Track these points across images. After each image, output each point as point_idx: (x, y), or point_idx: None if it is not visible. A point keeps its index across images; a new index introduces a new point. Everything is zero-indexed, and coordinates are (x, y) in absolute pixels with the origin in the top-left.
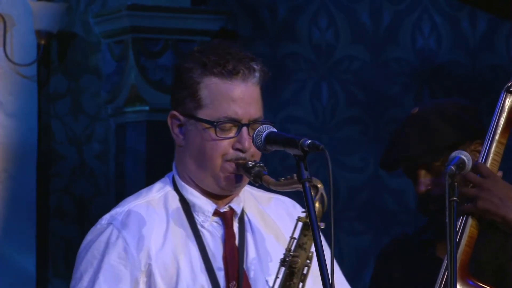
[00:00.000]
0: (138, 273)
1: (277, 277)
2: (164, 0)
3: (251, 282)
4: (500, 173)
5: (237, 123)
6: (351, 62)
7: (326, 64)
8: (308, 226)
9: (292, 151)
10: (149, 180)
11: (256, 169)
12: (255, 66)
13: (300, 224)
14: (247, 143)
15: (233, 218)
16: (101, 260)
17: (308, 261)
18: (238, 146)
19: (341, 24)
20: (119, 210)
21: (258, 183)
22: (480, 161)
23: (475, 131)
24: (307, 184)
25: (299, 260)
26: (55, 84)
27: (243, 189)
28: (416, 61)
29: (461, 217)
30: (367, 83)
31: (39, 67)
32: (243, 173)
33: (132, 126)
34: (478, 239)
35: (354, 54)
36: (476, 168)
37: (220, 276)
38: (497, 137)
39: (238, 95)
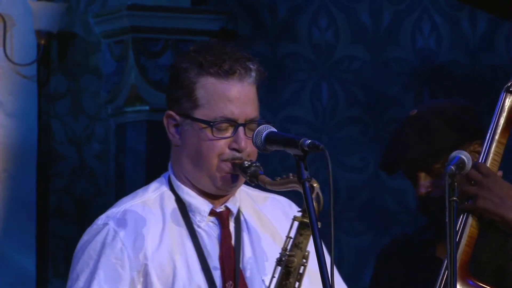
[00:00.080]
0: (135, 273)
1: (273, 277)
2: (164, 0)
3: (247, 281)
4: (500, 173)
5: (234, 123)
6: (351, 62)
7: (326, 64)
8: (304, 226)
9: (292, 151)
10: (149, 180)
11: (252, 168)
12: (251, 66)
13: (296, 223)
14: (244, 143)
15: (229, 218)
16: (98, 261)
17: (304, 261)
18: (235, 146)
19: (341, 24)
20: (115, 211)
21: (254, 182)
22: (480, 161)
23: (474, 132)
24: (307, 184)
25: (295, 260)
26: (55, 84)
27: (239, 189)
28: (416, 61)
29: (461, 217)
30: (367, 83)
31: (39, 67)
32: (239, 173)
33: (132, 126)
34: (478, 239)
35: (354, 54)
36: (476, 167)
37: (217, 275)
38: (497, 137)
39: (235, 95)
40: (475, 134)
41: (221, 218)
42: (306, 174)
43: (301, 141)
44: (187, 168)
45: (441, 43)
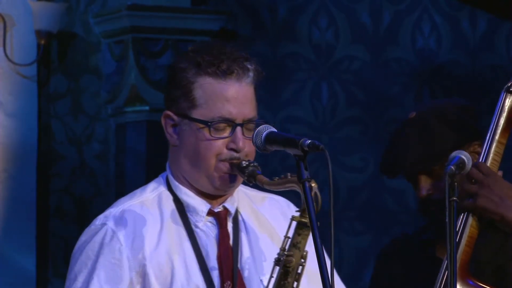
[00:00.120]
0: (133, 273)
1: (271, 277)
2: (164, 0)
3: (246, 281)
4: (500, 173)
5: (231, 123)
6: (351, 62)
7: (326, 64)
8: (302, 225)
9: (292, 151)
10: (149, 180)
11: (250, 168)
12: (249, 66)
13: (294, 223)
14: (241, 143)
15: (227, 218)
16: (96, 261)
17: (302, 260)
18: (232, 146)
19: (341, 24)
20: (113, 211)
21: (252, 182)
22: (480, 161)
23: (474, 132)
24: (307, 184)
25: (294, 260)
26: (55, 84)
27: (237, 189)
28: (416, 61)
29: (461, 217)
30: (367, 83)
31: (39, 67)
32: (237, 173)
33: (132, 126)
34: (478, 239)
35: (354, 54)
36: (477, 167)
37: (215, 276)
38: (497, 137)
39: (232, 95)
40: (474, 135)
41: (219, 218)
42: (306, 174)
43: (301, 141)
44: (185, 168)
45: (441, 43)
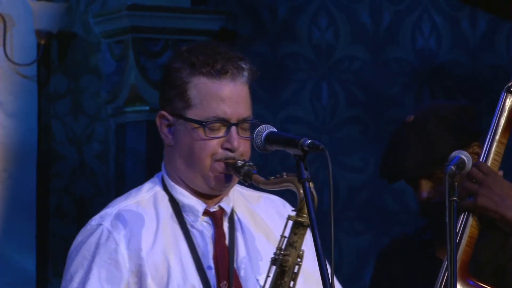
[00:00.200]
0: (129, 273)
1: (268, 276)
2: (164, 0)
3: (242, 281)
4: (500, 173)
5: (226, 123)
6: (351, 62)
7: (326, 64)
8: (299, 225)
9: (292, 151)
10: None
11: (246, 168)
12: (243, 66)
13: (290, 222)
14: (236, 142)
15: (223, 217)
16: (92, 261)
17: (299, 260)
18: (227, 145)
19: (341, 24)
20: (109, 211)
21: (248, 182)
22: (480, 161)
23: (473, 134)
24: (307, 184)
25: (290, 259)
26: (55, 84)
27: (232, 189)
28: (416, 61)
29: (461, 217)
30: (367, 83)
31: (39, 67)
32: (232, 173)
33: (132, 126)
34: (478, 239)
35: (354, 54)
36: (477, 166)
37: (211, 275)
38: (497, 137)
39: (227, 95)
40: (474, 136)
41: (215, 218)
42: (306, 174)
43: (301, 141)
44: (180, 168)
45: (441, 43)
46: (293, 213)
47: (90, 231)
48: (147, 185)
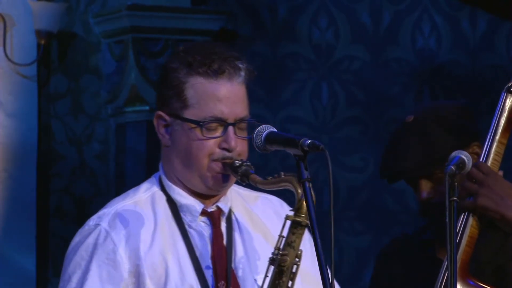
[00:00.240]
0: (127, 274)
1: (266, 276)
2: (164, 0)
3: (240, 281)
4: (501, 173)
5: (223, 123)
6: (351, 62)
7: (326, 64)
8: (297, 224)
9: (292, 151)
10: None
11: (243, 168)
12: (240, 65)
13: (288, 222)
14: (234, 142)
15: (221, 217)
16: (90, 261)
17: (297, 259)
18: (225, 145)
19: (341, 24)
20: (106, 211)
21: (245, 182)
22: (480, 161)
23: (472, 134)
24: (307, 184)
25: (288, 259)
26: (55, 84)
27: (230, 189)
28: (416, 61)
29: (462, 217)
30: (367, 83)
31: (39, 67)
32: (230, 173)
33: (132, 126)
34: (478, 239)
35: (354, 54)
36: (477, 166)
37: (209, 275)
38: (497, 137)
39: (224, 95)
40: (473, 136)
41: (213, 218)
42: (306, 174)
43: (301, 141)
44: (178, 168)
45: (441, 43)
46: (291, 213)
47: (88, 232)
48: (144, 185)
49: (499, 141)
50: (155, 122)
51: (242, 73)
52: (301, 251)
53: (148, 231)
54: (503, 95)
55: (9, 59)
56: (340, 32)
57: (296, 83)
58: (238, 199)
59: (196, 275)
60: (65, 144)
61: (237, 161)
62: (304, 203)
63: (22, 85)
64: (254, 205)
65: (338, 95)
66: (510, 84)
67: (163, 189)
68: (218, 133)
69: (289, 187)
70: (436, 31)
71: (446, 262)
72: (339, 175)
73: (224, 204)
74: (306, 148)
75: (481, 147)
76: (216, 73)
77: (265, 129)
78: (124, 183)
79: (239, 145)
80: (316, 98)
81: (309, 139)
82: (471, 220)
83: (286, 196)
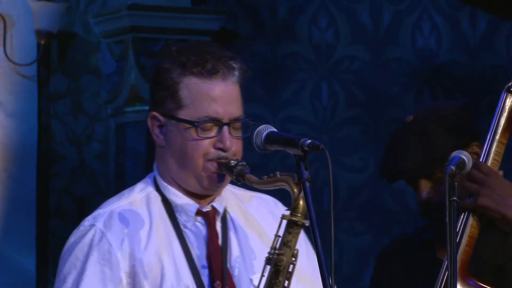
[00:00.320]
0: (122, 274)
1: (262, 275)
2: (164, 0)
3: (235, 281)
4: (501, 173)
5: (218, 123)
6: (351, 62)
7: (326, 64)
8: (293, 224)
9: (292, 151)
10: None
11: (239, 167)
12: (234, 65)
13: (284, 222)
14: (229, 142)
15: (216, 217)
16: (85, 262)
17: (293, 259)
18: (220, 145)
19: (341, 24)
20: (101, 212)
21: (241, 181)
22: (480, 161)
23: (472, 134)
24: (307, 184)
25: (285, 258)
26: (55, 84)
27: (224, 188)
28: (416, 61)
29: (462, 217)
30: (367, 83)
31: (39, 67)
32: (225, 172)
33: (132, 126)
34: (478, 239)
35: (354, 54)
36: (477, 167)
37: (205, 275)
38: (497, 137)
39: (218, 94)
40: (473, 136)
41: (208, 217)
42: (306, 174)
43: (301, 141)
44: (173, 169)
45: (441, 43)
46: (287, 213)
47: (83, 232)
48: (139, 186)
49: (499, 141)
50: (149, 122)
51: (236, 73)
52: (297, 250)
53: (144, 231)
54: (503, 95)
55: (9, 59)
56: (340, 32)
57: (296, 83)
58: (233, 199)
59: (191, 275)
60: (65, 144)
61: (232, 161)
62: (301, 202)
63: (22, 85)
64: (249, 204)
65: (338, 95)
66: (510, 84)
67: (158, 189)
68: (213, 133)
69: (285, 186)
70: (436, 31)
71: (446, 262)
72: (339, 175)
73: (219, 204)
74: (306, 148)
75: (481, 147)
76: (210, 73)
77: (265, 129)
78: (124, 183)
79: (234, 145)
80: (316, 98)
81: (309, 139)
82: (471, 220)
83: (281, 195)
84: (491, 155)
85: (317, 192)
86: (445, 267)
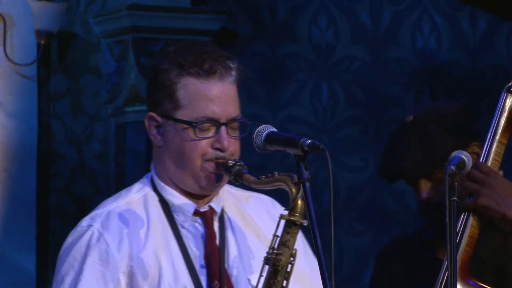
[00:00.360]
0: (120, 274)
1: (261, 275)
2: (164, 0)
3: (233, 280)
4: (501, 173)
5: (216, 123)
6: (351, 62)
7: (326, 64)
8: (291, 224)
9: (292, 151)
10: None
11: (237, 167)
12: (231, 65)
13: (282, 221)
14: (226, 142)
15: (213, 217)
16: (83, 262)
17: (291, 259)
18: (217, 145)
19: (341, 24)
20: (99, 212)
21: (239, 182)
22: (481, 161)
23: (472, 134)
24: (307, 184)
25: (283, 258)
26: (55, 84)
27: (222, 188)
28: (416, 61)
29: (462, 217)
30: (367, 83)
31: (39, 67)
32: (223, 172)
33: (132, 126)
34: (478, 239)
35: (354, 54)
36: (477, 167)
37: (202, 275)
38: (497, 137)
39: (216, 94)
40: (473, 136)
41: (205, 217)
42: (306, 174)
43: (301, 141)
44: (170, 169)
45: (441, 43)
46: (285, 212)
47: (81, 232)
48: (136, 186)
49: (499, 141)
50: (146, 123)
51: (233, 73)
52: (296, 250)
53: (141, 232)
54: (503, 95)
55: (9, 59)
56: (340, 32)
57: (296, 83)
58: (230, 199)
59: (189, 275)
60: (65, 144)
61: (230, 161)
62: (299, 202)
63: (22, 85)
64: (246, 204)
65: (338, 95)
66: (510, 84)
67: (155, 189)
68: (211, 133)
69: (283, 186)
70: (436, 31)
71: (446, 262)
72: (339, 175)
73: (216, 204)
74: (306, 148)
75: (481, 147)
76: (208, 73)
77: (265, 129)
78: (124, 183)
79: (231, 145)
80: (316, 98)
81: (309, 139)
82: (471, 220)
83: (279, 195)
84: (491, 155)
85: (317, 192)
86: (445, 267)
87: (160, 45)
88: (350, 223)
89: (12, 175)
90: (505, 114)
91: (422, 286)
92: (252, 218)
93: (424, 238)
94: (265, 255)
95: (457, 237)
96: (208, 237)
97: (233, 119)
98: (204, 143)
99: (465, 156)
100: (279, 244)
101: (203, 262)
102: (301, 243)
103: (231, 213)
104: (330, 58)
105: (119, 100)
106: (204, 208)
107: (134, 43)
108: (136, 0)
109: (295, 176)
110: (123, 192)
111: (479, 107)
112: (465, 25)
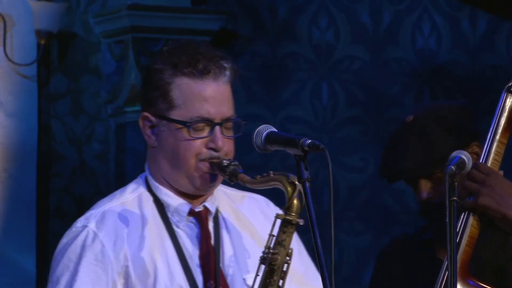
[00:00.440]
0: (116, 275)
1: (257, 275)
2: (164, 0)
3: (229, 280)
4: (501, 173)
5: (210, 123)
6: (351, 62)
7: (326, 64)
8: (287, 223)
9: (292, 151)
10: None
11: (231, 167)
12: (225, 65)
13: (278, 221)
14: (221, 142)
15: (208, 217)
16: (78, 263)
17: (287, 258)
18: (212, 145)
19: (341, 24)
20: (94, 212)
21: (234, 181)
22: (481, 161)
23: (472, 134)
24: (307, 184)
25: (279, 257)
26: (55, 84)
27: (216, 188)
28: (416, 61)
29: (462, 217)
30: (367, 83)
31: (39, 67)
32: (218, 172)
33: (132, 126)
34: (479, 239)
35: (354, 54)
36: (477, 167)
37: (198, 275)
38: (497, 137)
39: (210, 94)
40: (473, 136)
41: (200, 217)
42: (306, 174)
43: (301, 141)
44: (165, 169)
45: (441, 43)
46: (281, 212)
47: (76, 233)
48: (131, 186)
49: (499, 141)
50: (140, 123)
51: (227, 73)
52: (292, 249)
53: (136, 232)
54: (503, 95)
55: (9, 59)
56: (340, 32)
57: (296, 83)
58: (224, 199)
59: (185, 275)
60: (65, 144)
61: (224, 161)
62: (295, 201)
63: (22, 85)
64: (241, 204)
65: (338, 95)
66: (510, 84)
67: (149, 189)
68: (205, 133)
69: (279, 186)
70: (436, 31)
71: (446, 262)
72: (339, 175)
73: (211, 204)
74: (306, 148)
75: (481, 147)
76: (202, 73)
77: (265, 129)
78: (124, 183)
79: (226, 145)
80: (316, 98)
81: (309, 139)
82: (471, 220)
83: (275, 195)
84: (491, 155)
85: (317, 192)
86: (445, 267)
87: (160, 45)
88: (350, 223)
89: (12, 175)
90: (505, 114)
91: (422, 286)
92: (247, 218)
93: (424, 238)
94: (261, 254)
95: (457, 237)
96: (203, 237)
97: (228, 119)
98: (198, 143)
99: (465, 156)
100: (275, 244)
101: (198, 262)
102: (295, 244)
103: (226, 213)
104: (330, 58)
105: (119, 100)
106: (199, 208)
107: (134, 43)
108: (136, 0)
109: (290, 176)
110: (117, 192)
111: (479, 107)
112: (465, 25)
